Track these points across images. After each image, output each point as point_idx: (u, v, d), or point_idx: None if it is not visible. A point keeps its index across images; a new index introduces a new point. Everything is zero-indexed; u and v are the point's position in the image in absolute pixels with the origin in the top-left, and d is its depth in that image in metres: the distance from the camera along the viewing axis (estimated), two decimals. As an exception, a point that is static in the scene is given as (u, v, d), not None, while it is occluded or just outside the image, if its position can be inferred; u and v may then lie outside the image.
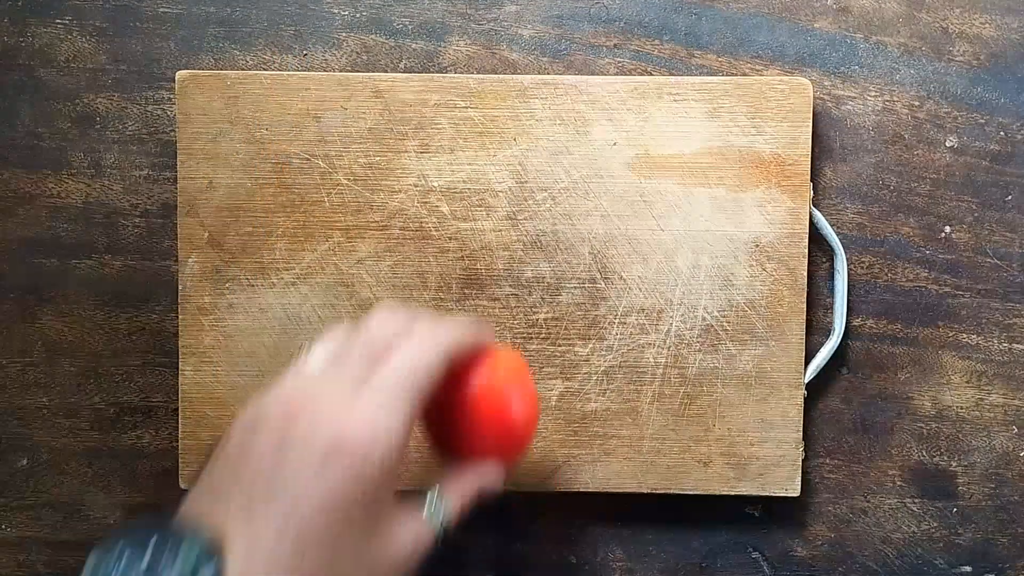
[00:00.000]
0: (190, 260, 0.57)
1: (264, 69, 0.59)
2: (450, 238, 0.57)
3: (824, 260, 0.59)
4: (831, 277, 0.59)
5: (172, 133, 0.58)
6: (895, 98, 0.59)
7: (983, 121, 0.59)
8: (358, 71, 0.59)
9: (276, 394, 0.42)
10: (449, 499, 0.45)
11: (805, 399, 0.57)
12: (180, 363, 0.57)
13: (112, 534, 0.39)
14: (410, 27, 0.59)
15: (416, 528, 0.43)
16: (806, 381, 0.57)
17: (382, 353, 0.43)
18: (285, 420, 0.40)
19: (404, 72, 0.59)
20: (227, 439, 0.41)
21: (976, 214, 0.59)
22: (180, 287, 0.57)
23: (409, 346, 0.43)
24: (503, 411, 0.47)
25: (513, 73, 0.58)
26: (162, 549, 0.38)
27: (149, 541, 0.38)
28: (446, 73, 0.59)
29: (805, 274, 0.57)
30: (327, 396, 0.41)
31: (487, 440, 0.47)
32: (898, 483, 0.59)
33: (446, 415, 0.47)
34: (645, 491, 0.57)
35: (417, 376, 0.42)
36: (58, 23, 0.59)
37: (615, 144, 0.56)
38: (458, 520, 0.45)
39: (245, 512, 0.39)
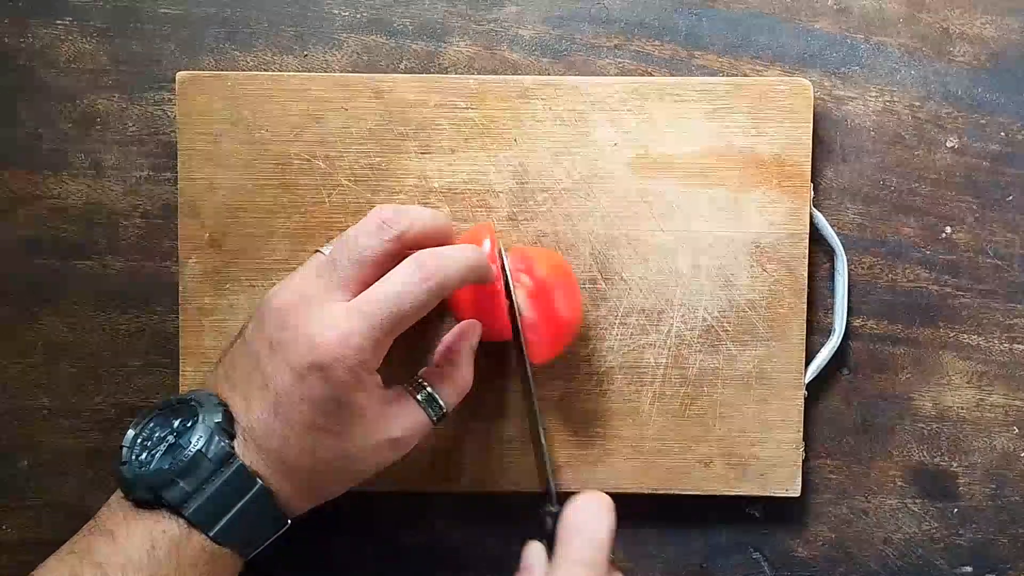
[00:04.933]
0: (191, 261, 0.57)
1: (264, 70, 0.59)
2: (451, 239, 0.57)
3: (825, 261, 0.59)
4: (831, 278, 0.59)
5: (173, 134, 0.58)
6: (896, 99, 0.59)
7: (984, 121, 0.59)
8: (358, 72, 0.59)
9: (279, 293, 0.48)
10: (444, 385, 0.50)
11: (805, 399, 0.57)
12: (181, 364, 0.57)
13: (142, 412, 0.48)
14: (410, 28, 0.59)
15: (409, 415, 0.49)
16: (807, 381, 0.57)
17: (371, 266, 0.47)
18: (278, 323, 0.47)
19: (405, 73, 0.59)
20: (245, 325, 0.49)
21: (977, 214, 0.59)
22: (181, 288, 0.57)
23: (400, 280, 0.46)
24: (548, 306, 0.52)
25: (514, 74, 0.58)
26: (186, 421, 0.47)
27: (176, 415, 0.47)
28: (447, 74, 0.58)
29: (806, 275, 0.57)
30: (314, 305, 0.46)
31: (534, 331, 0.53)
32: (899, 483, 0.59)
33: (484, 305, 0.52)
34: (646, 491, 0.57)
35: (400, 310, 0.46)
36: (58, 24, 0.59)
37: (616, 145, 0.56)
38: (459, 399, 0.51)
39: (245, 397, 0.47)
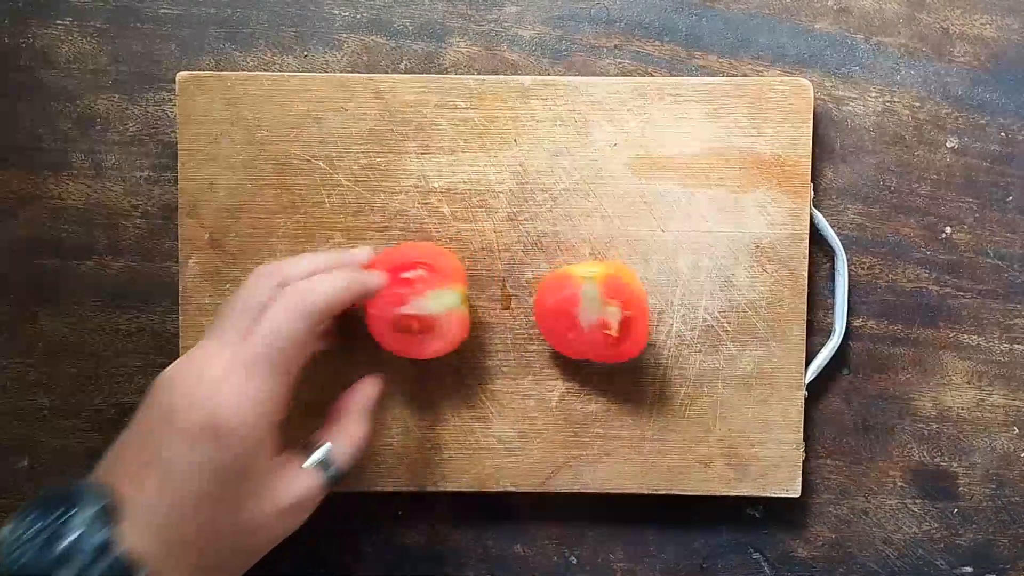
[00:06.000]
0: (191, 261, 0.57)
1: (265, 70, 0.59)
2: (451, 239, 0.57)
3: (825, 261, 0.59)
4: (832, 278, 0.59)
5: (173, 134, 0.58)
6: (896, 99, 0.59)
7: (984, 122, 0.59)
8: (358, 72, 0.59)
9: (171, 367, 0.46)
10: (336, 446, 0.49)
11: (806, 400, 0.57)
12: (181, 364, 0.57)
13: (25, 503, 0.44)
14: (410, 28, 0.59)
15: (302, 480, 0.47)
16: (807, 382, 0.57)
17: (255, 318, 0.46)
18: (168, 393, 0.45)
19: (404, 73, 0.59)
20: (140, 405, 0.47)
21: (977, 215, 0.59)
22: (181, 288, 0.57)
23: (273, 313, 0.46)
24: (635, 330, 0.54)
25: (514, 74, 0.58)
26: (65, 512, 0.43)
27: (55, 507, 0.43)
28: (446, 74, 0.59)
29: (806, 275, 0.57)
30: (205, 370, 0.45)
31: None
32: (899, 484, 0.59)
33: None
34: (646, 492, 0.57)
35: (280, 344, 0.45)
36: (59, 24, 0.59)
37: (615, 145, 0.56)
38: (354, 459, 0.50)
39: (135, 477, 0.44)
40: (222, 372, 0.45)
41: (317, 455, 0.48)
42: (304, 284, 0.47)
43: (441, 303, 0.53)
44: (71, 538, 0.42)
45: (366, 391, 0.52)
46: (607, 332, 0.53)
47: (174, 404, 0.44)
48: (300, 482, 0.47)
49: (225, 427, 0.44)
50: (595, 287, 0.53)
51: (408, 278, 0.53)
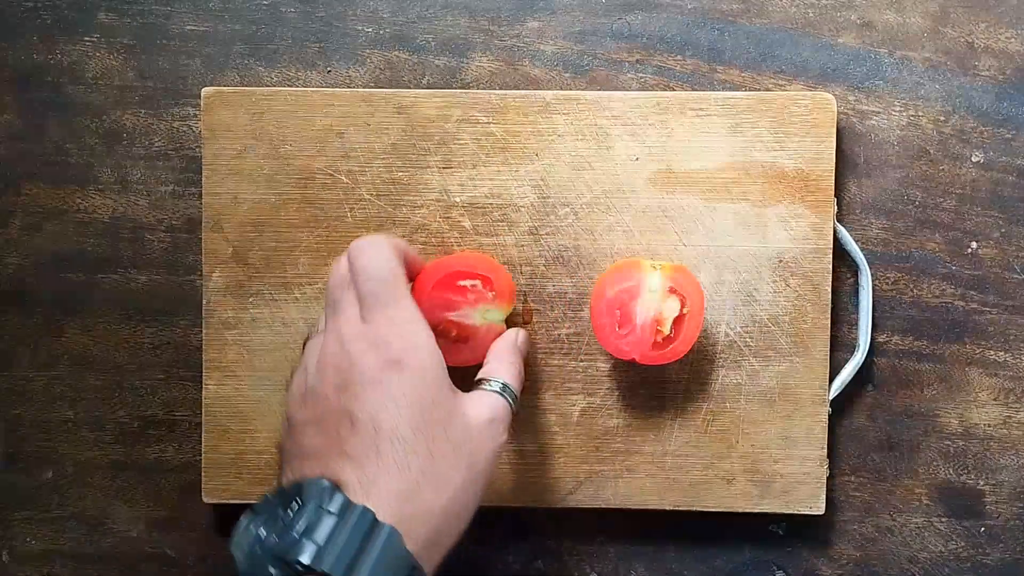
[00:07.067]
0: (214, 275, 0.57)
1: (288, 86, 0.59)
2: (472, 253, 0.57)
3: (848, 276, 0.58)
4: (856, 293, 0.58)
5: (197, 149, 0.59)
6: (920, 113, 0.58)
7: (1009, 136, 0.58)
8: (381, 87, 0.59)
9: (303, 365, 0.48)
10: (504, 372, 0.51)
11: (829, 416, 0.57)
12: (204, 377, 0.57)
13: (241, 519, 0.44)
14: (433, 43, 0.59)
15: (490, 399, 0.49)
16: (831, 398, 0.57)
17: (346, 290, 0.47)
18: (324, 368, 0.46)
19: (427, 88, 0.59)
20: (284, 422, 0.48)
21: (1003, 229, 0.58)
22: (204, 301, 0.57)
23: (360, 264, 0.47)
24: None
25: (535, 89, 0.59)
26: (288, 502, 0.43)
27: (276, 504, 0.43)
28: (469, 89, 0.59)
29: (829, 290, 0.56)
30: (350, 334, 0.46)
31: None
32: (924, 501, 0.59)
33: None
34: (668, 508, 0.57)
35: (383, 278, 0.47)
36: (86, 41, 0.60)
37: (637, 159, 0.56)
38: (520, 385, 0.52)
39: (338, 448, 0.44)
40: (361, 328, 0.46)
41: (496, 382, 0.50)
42: (357, 246, 0.48)
43: (486, 318, 0.53)
44: (310, 512, 0.42)
45: (516, 333, 0.54)
46: (659, 330, 0.53)
47: (342, 364, 0.45)
48: (489, 400, 0.49)
49: (405, 361, 0.45)
50: (661, 278, 0.53)
51: (464, 287, 0.53)
